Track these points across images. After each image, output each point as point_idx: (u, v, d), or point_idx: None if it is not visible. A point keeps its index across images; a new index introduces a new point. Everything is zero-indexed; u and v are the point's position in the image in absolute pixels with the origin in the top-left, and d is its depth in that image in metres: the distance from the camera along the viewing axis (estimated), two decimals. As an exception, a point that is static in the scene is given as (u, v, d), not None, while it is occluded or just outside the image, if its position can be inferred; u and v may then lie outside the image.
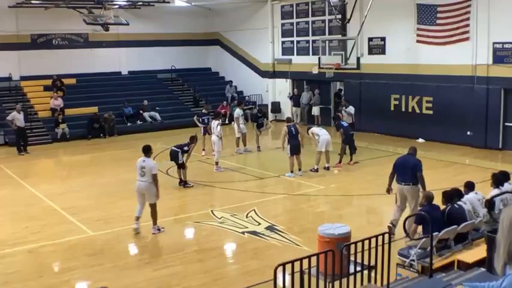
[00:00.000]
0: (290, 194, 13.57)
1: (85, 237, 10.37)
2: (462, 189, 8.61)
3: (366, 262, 6.50)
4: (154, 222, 10.47)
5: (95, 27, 23.04)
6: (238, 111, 18.30)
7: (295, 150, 14.70)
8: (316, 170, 15.08)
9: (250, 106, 24.94)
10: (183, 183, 13.86)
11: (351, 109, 18.04)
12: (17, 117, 19.16)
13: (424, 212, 7.36)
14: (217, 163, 15.75)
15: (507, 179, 8.79)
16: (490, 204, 7.23)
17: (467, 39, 17.74)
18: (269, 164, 17.19)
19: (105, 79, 25.92)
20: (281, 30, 25.35)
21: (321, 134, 15.15)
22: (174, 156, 13.86)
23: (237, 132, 18.02)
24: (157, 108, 24.38)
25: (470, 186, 8.74)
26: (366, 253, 6.44)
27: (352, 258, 6.48)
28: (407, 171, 9.63)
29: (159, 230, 10.48)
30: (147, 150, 10.50)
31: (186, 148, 13.81)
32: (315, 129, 15.59)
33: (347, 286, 6.51)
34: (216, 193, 14.02)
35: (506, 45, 16.82)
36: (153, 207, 10.41)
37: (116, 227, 10.89)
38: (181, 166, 13.82)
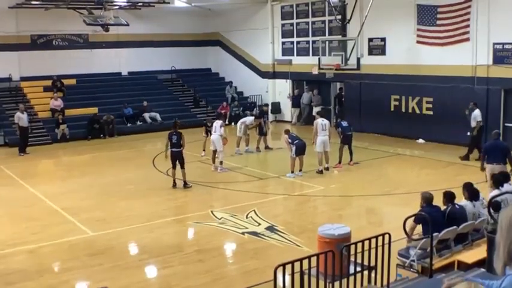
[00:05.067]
0: (290, 194, 13.57)
1: (85, 237, 10.37)
2: (461, 191, 8.53)
3: (366, 263, 6.51)
4: None
5: (95, 27, 22.98)
6: (251, 119, 18.35)
7: (301, 151, 14.67)
8: (321, 172, 15.06)
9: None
10: (183, 183, 13.85)
11: (477, 113, 16.04)
12: (20, 117, 19.21)
13: (424, 212, 7.36)
14: (221, 163, 15.73)
15: (507, 179, 8.79)
16: (494, 205, 7.20)
17: (467, 39, 17.74)
18: (269, 164, 17.18)
19: (105, 80, 25.88)
20: (281, 30, 25.34)
21: (320, 134, 15.13)
22: (177, 157, 13.81)
23: (239, 132, 18.03)
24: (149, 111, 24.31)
25: (470, 191, 8.55)
26: (366, 253, 6.44)
27: (352, 258, 6.48)
28: (498, 153, 11.49)
29: None
30: None
31: (180, 141, 13.70)
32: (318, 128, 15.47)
33: (347, 286, 6.51)
34: (216, 193, 14.01)
35: (506, 46, 16.81)
36: None
37: (116, 227, 10.90)
38: (182, 166, 13.81)
